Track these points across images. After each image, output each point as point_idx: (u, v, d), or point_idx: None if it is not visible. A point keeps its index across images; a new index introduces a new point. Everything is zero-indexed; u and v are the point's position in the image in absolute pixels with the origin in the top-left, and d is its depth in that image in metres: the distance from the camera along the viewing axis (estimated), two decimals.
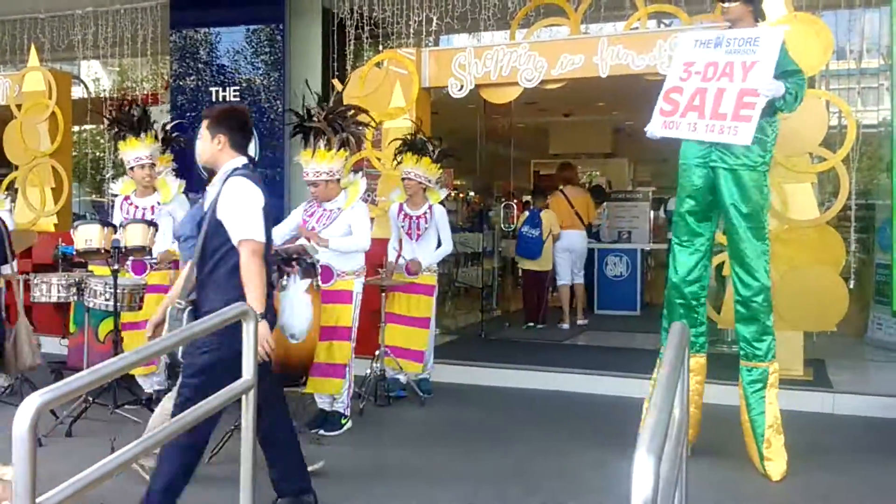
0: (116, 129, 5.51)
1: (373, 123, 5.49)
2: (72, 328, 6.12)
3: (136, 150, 5.39)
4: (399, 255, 5.81)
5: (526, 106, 9.78)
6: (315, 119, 4.87)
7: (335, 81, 7.29)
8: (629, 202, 10.59)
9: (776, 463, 4.11)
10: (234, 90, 7.93)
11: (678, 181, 4.39)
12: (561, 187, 9.16)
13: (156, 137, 6.22)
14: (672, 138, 4.26)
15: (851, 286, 5.85)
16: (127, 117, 5.48)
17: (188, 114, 7.98)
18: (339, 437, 4.82)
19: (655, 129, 4.28)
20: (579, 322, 8.84)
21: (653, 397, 1.78)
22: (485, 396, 6.02)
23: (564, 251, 8.85)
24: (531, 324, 8.67)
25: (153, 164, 5.46)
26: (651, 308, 10.00)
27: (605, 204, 10.38)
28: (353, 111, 5.09)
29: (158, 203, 5.44)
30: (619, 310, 9.58)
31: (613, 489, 3.89)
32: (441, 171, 5.95)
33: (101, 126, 5.68)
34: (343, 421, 4.93)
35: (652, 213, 10.51)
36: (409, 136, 5.96)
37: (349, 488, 4.02)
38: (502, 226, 9.89)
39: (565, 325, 8.65)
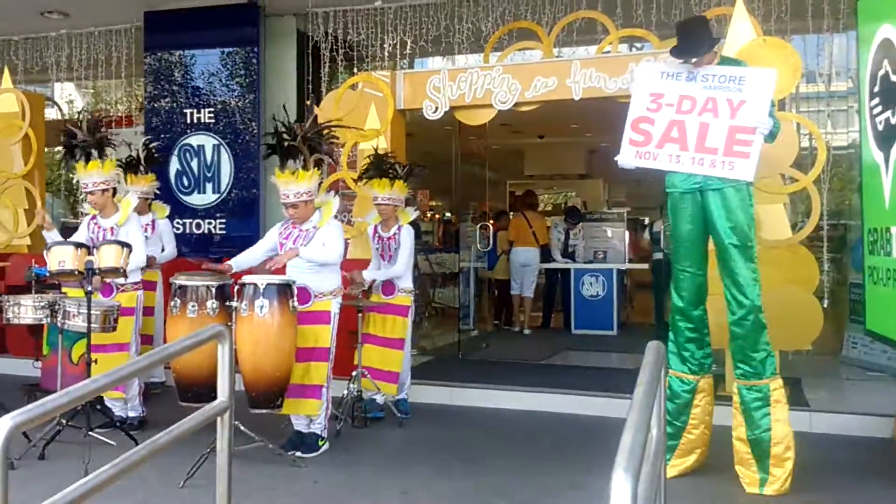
0: (72, 154, 5.41)
1: (348, 135, 5.42)
2: (45, 350, 6.04)
3: (90, 175, 5.30)
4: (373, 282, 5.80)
5: (501, 127, 9.88)
6: (295, 137, 4.85)
7: (316, 108, 7.29)
8: (605, 222, 10.68)
9: (778, 479, 4.11)
10: (209, 112, 7.93)
11: (669, 208, 4.45)
12: (523, 211, 10.40)
13: (130, 159, 6.21)
14: (647, 168, 4.32)
15: (826, 305, 5.93)
16: (69, 142, 5.38)
17: (162, 135, 7.95)
18: (317, 459, 4.78)
19: (628, 159, 4.34)
20: (525, 331, 9.96)
21: (629, 417, 1.79)
22: (463, 416, 6.01)
23: (521, 265, 10.03)
24: (496, 322, 10.44)
25: (106, 190, 5.36)
26: (628, 328, 10.11)
27: (580, 224, 10.45)
28: (327, 130, 5.10)
29: (117, 224, 5.37)
30: (596, 329, 9.63)
31: None
32: (408, 188, 5.94)
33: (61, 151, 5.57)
34: (320, 442, 4.89)
35: (627, 233, 10.59)
36: (371, 157, 5.92)
37: None
38: (478, 246, 9.94)
39: (516, 328, 10.07)
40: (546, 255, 10.41)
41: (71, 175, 11.11)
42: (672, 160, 4.22)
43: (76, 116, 9.94)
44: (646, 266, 10.44)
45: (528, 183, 14.31)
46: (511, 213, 11.03)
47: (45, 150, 8.69)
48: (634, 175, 11.82)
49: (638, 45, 7.29)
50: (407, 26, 7.38)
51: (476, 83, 6.68)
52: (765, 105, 4.08)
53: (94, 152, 5.35)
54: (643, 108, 4.34)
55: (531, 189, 11.55)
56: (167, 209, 6.50)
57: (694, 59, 4.26)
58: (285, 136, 4.90)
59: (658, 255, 9.58)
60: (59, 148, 5.57)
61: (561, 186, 14.70)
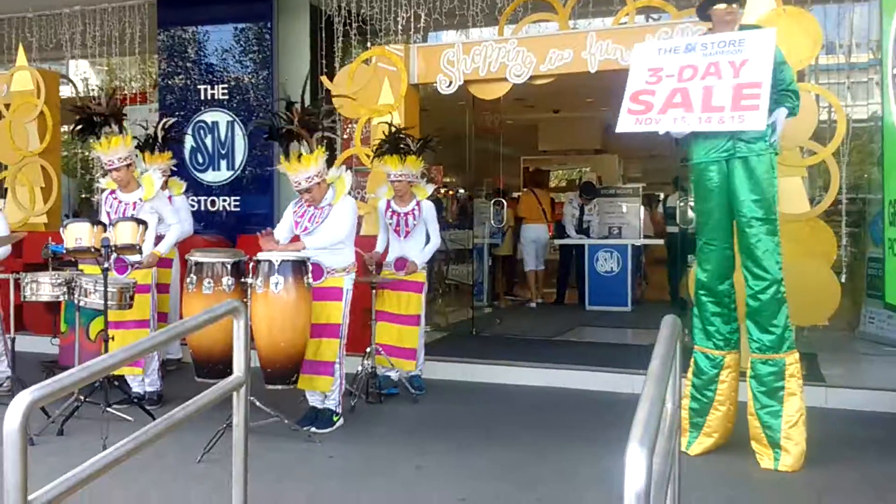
0: (90, 130, 5.43)
1: (361, 111, 5.37)
2: (63, 327, 6.11)
3: (112, 152, 5.30)
4: (386, 252, 5.82)
5: (515, 102, 9.81)
6: (291, 122, 4.81)
7: (324, 79, 7.27)
8: (619, 198, 10.59)
9: (792, 455, 4.09)
10: (223, 88, 7.91)
11: (692, 181, 4.38)
12: (532, 188, 10.78)
13: (147, 137, 6.22)
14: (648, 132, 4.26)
15: (843, 280, 5.87)
16: (90, 118, 5.40)
17: (176, 112, 7.94)
18: (332, 434, 4.81)
19: (627, 126, 4.27)
20: (533, 304, 10.24)
21: (644, 391, 1.78)
22: (477, 393, 6.03)
23: (530, 241, 10.34)
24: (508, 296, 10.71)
25: (129, 165, 5.40)
26: (643, 304, 10.07)
27: (595, 200, 10.40)
28: (323, 108, 5.05)
29: (141, 199, 5.40)
30: (611, 305, 9.60)
31: (608, 484, 3.90)
32: (422, 163, 5.92)
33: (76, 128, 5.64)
34: (335, 418, 4.92)
35: (642, 209, 10.53)
36: (385, 134, 5.89)
37: (342, 485, 4.01)
38: (492, 222, 9.92)
39: (532, 304, 10.18)
40: (560, 230, 10.42)
41: (86, 152, 11.17)
42: (677, 122, 4.15)
43: (91, 93, 10.01)
44: (661, 242, 10.39)
45: (543, 159, 14.25)
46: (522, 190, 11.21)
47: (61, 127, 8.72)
48: (651, 149, 11.71)
49: (655, 15, 7.17)
50: None
51: (490, 56, 6.62)
52: (768, 62, 4.00)
53: (115, 127, 5.36)
54: (642, 82, 4.29)
55: (539, 167, 11.73)
56: (183, 186, 6.51)
57: (733, 5, 4.21)
58: (282, 121, 4.85)
59: (673, 230, 9.52)
60: (73, 126, 5.55)
61: (576, 162, 14.60)
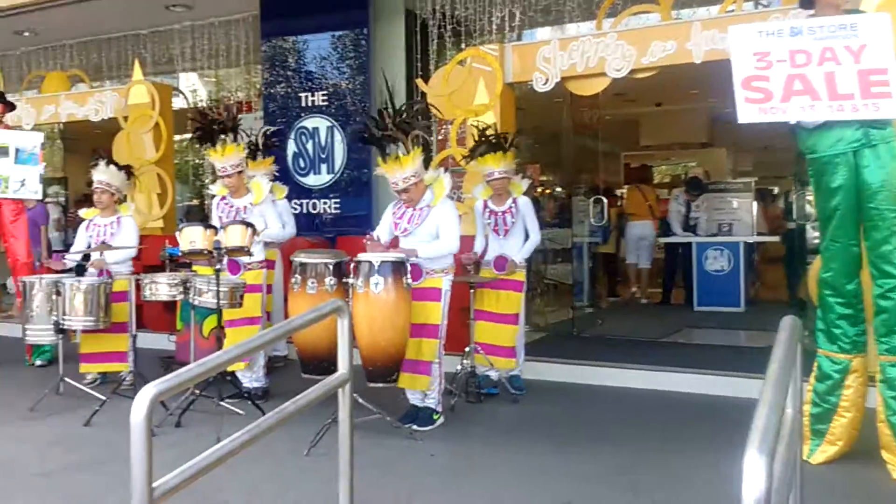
0: (208, 139, 5.72)
1: (438, 115, 5.44)
2: (179, 325, 6.43)
3: (225, 159, 5.59)
4: (485, 252, 5.83)
5: (615, 97, 9.63)
6: (386, 127, 4.90)
7: (419, 81, 7.36)
8: (729, 193, 10.20)
9: None
10: (322, 95, 8.11)
11: (814, 177, 4.14)
12: (637, 185, 10.83)
13: (250, 144, 6.48)
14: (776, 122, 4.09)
15: None
16: (210, 126, 5.68)
17: (279, 119, 8.21)
18: (433, 433, 4.86)
19: (750, 116, 4.10)
20: (643, 301, 10.27)
21: (763, 395, 1.71)
22: (579, 394, 5.95)
23: (636, 239, 10.43)
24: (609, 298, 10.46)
25: (240, 172, 5.64)
26: (756, 304, 9.63)
27: (702, 196, 10.09)
28: (416, 108, 5.11)
29: (251, 203, 5.64)
30: (721, 306, 9.25)
31: (721, 491, 3.78)
32: (515, 158, 5.90)
33: (193, 137, 6.04)
34: (435, 416, 4.97)
35: (755, 204, 10.14)
36: (480, 133, 5.90)
37: (443, 483, 4.05)
38: (592, 220, 9.79)
39: (644, 300, 10.33)
40: (666, 228, 10.19)
41: (198, 160, 11.70)
42: (806, 110, 3.94)
43: (202, 104, 10.48)
44: (776, 239, 9.98)
45: (645, 154, 13.93)
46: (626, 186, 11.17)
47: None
48: (763, 141, 11.22)
49: (764, 1, 6.91)
50: None
51: (588, 52, 6.52)
52: (888, 47, 3.78)
53: (230, 136, 5.63)
54: (750, 67, 4.10)
55: (644, 163, 11.62)
56: (286, 190, 6.72)
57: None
58: (376, 128, 4.94)
59: (791, 227, 9.13)
60: (188, 135, 5.88)
61: (680, 157, 14.19)
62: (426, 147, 5.01)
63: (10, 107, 7.34)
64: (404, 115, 4.92)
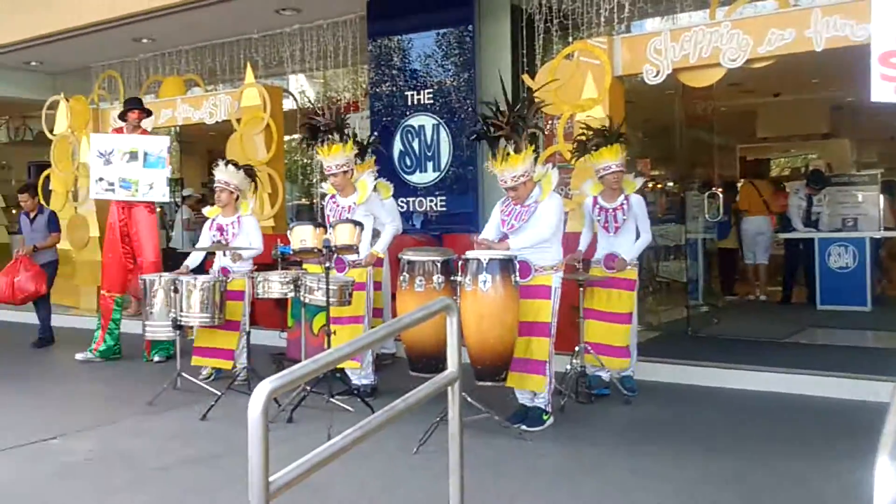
0: (315, 138, 5.83)
1: (546, 111, 5.34)
2: (290, 322, 6.58)
3: (333, 158, 5.67)
4: (593, 250, 5.69)
5: (729, 88, 9.28)
6: (501, 127, 4.84)
7: (525, 77, 7.26)
8: (854, 186, 9.65)
9: None
10: (428, 93, 8.13)
11: None
12: (751, 180, 10.73)
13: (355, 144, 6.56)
14: None
15: None
16: (320, 127, 5.77)
17: (385, 118, 8.29)
18: (542, 433, 4.78)
19: (885, 95, 3.81)
20: (762, 298, 10.10)
21: (894, 398, 1.56)
22: (694, 396, 5.73)
23: (753, 235, 10.22)
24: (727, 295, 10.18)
25: (346, 171, 5.70)
26: (884, 303, 9.10)
27: (824, 190, 9.57)
28: (531, 106, 5.02)
29: (355, 203, 5.70)
30: (846, 304, 8.77)
31: (846, 500, 3.55)
32: (625, 152, 5.73)
33: (303, 137, 6.20)
34: (545, 417, 4.88)
35: (882, 197, 9.54)
36: (586, 128, 5.76)
37: (553, 484, 3.96)
38: (706, 216, 9.43)
39: (763, 297, 10.14)
40: (786, 223, 9.80)
41: (307, 160, 12.00)
42: None
43: (312, 105, 10.75)
44: None
45: (762, 146, 13.35)
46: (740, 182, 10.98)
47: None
48: (889, 131, 10.56)
49: None
50: None
51: (702, 42, 6.28)
52: None
53: (336, 136, 5.71)
54: (891, 41, 3.80)
55: (759, 157, 11.51)
56: (391, 188, 6.76)
57: None
58: (493, 125, 4.88)
59: None
60: (297, 136, 6.03)
61: (800, 148, 13.54)
62: (534, 141, 4.93)
63: (147, 113, 7.68)
64: (519, 112, 4.85)
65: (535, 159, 4.97)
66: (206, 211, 6.63)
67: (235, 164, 6.45)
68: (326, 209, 5.89)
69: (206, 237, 6.41)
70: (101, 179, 7.24)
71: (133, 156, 7.17)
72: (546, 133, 7.45)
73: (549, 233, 4.80)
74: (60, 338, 8.49)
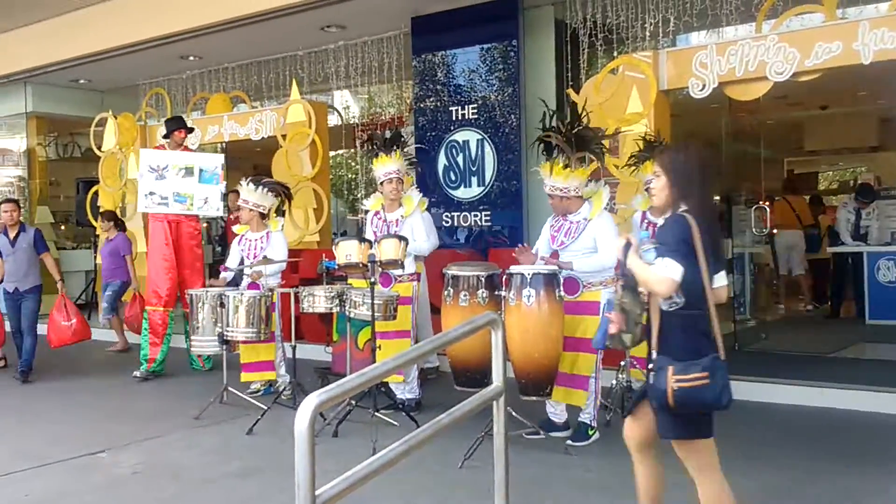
0: (371, 148, 5.94)
1: (609, 122, 5.39)
2: (335, 336, 6.63)
3: (385, 166, 5.74)
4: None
5: (776, 101, 9.16)
6: (556, 136, 4.89)
7: (570, 91, 7.26)
8: None
9: None
10: (472, 108, 8.16)
11: None
12: (785, 196, 10.77)
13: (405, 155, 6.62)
14: None
15: None
16: (379, 138, 5.89)
17: (429, 133, 8.34)
18: (587, 448, 4.75)
19: None
20: (807, 308, 10.37)
21: None
22: (743, 412, 5.57)
23: (785, 248, 10.33)
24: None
25: (401, 179, 5.78)
26: None
27: (874, 203, 9.37)
28: (592, 133, 5.07)
29: (402, 217, 5.75)
30: None
31: None
32: None
33: (353, 150, 6.30)
34: (590, 432, 4.86)
35: None
36: (642, 141, 5.76)
37: (600, 500, 3.93)
38: (753, 229, 9.28)
39: (808, 308, 10.36)
40: (834, 237, 9.69)
41: (351, 175, 12.08)
42: None
43: (356, 120, 10.86)
44: None
45: (810, 159, 13.13)
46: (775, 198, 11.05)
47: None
48: None
49: None
50: (669, 2, 7.04)
51: (748, 55, 6.22)
52: None
53: (391, 147, 5.81)
54: None
55: (793, 171, 11.83)
56: (426, 202, 6.76)
57: None
58: (554, 135, 4.93)
59: None
60: (343, 151, 6.12)
61: (849, 161, 13.29)
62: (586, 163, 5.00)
63: (189, 130, 7.87)
64: (579, 132, 4.93)
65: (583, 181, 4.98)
66: (236, 228, 6.71)
67: (258, 181, 6.41)
68: (371, 225, 5.92)
69: (235, 252, 6.49)
70: (152, 193, 7.36)
71: (189, 171, 7.33)
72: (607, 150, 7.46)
73: (613, 262, 4.79)
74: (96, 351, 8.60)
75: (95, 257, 10.50)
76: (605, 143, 6.75)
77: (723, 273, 3.01)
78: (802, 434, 5.05)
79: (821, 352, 7.31)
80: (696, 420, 2.86)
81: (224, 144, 11.11)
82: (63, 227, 13.49)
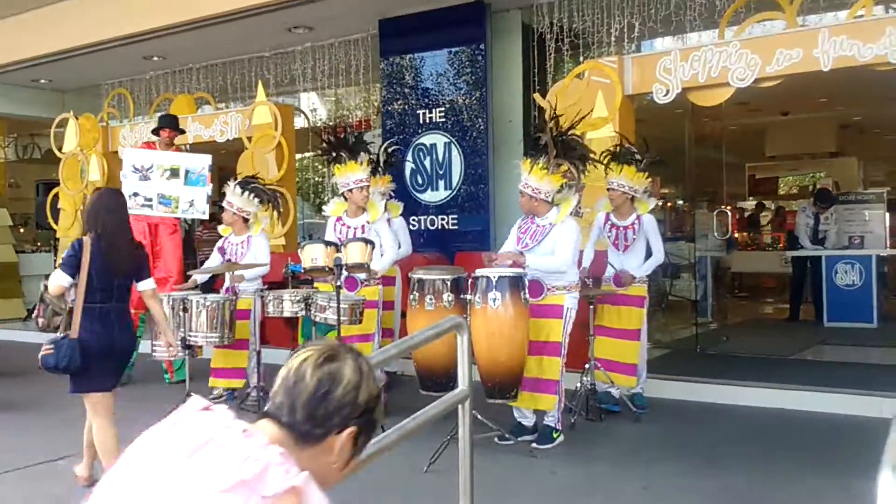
0: (333, 155, 5.88)
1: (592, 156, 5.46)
2: (300, 341, 6.59)
3: (355, 174, 5.70)
4: (604, 267, 5.71)
5: (738, 107, 9.30)
6: (545, 137, 4.95)
7: (536, 96, 7.31)
8: (861, 204, 9.67)
9: None
10: (440, 112, 8.18)
11: None
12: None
13: (371, 161, 6.59)
14: None
15: None
16: (342, 143, 5.85)
17: (397, 136, 8.34)
18: (553, 451, 4.78)
19: None
20: None
21: None
22: (704, 414, 5.72)
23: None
24: None
25: (368, 186, 5.76)
26: (890, 320, 9.09)
27: (832, 208, 9.58)
28: (580, 145, 5.16)
29: (367, 222, 5.72)
30: (853, 322, 8.76)
31: None
32: (649, 180, 5.76)
33: (320, 153, 6.20)
34: (555, 434, 4.89)
35: (888, 216, 9.54)
36: (613, 147, 5.85)
37: (563, 501, 3.96)
38: (715, 234, 9.44)
39: None
40: (793, 241, 9.82)
41: (318, 178, 12.03)
42: None
43: (322, 123, 10.79)
44: None
45: (770, 165, 13.37)
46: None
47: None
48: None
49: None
50: (634, 8, 7.14)
51: (711, 61, 6.31)
52: None
53: (349, 153, 5.75)
54: None
55: (766, 176, 11.32)
56: (401, 207, 6.77)
57: None
58: (541, 136, 4.99)
59: None
60: (309, 154, 6.06)
61: (808, 167, 13.56)
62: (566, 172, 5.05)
63: (180, 131, 7.57)
64: (566, 138, 5.01)
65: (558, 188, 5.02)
66: (221, 229, 6.62)
67: (245, 185, 6.31)
68: (335, 232, 5.84)
69: (216, 255, 6.42)
70: (136, 194, 7.00)
71: (174, 173, 7.06)
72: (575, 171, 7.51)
73: (566, 267, 4.84)
74: None
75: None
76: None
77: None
78: (763, 435, 5.13)
79: (780, 354, 7.43)
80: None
81: (188, 146, 10.97)
82: (22, 230, 13.23)
